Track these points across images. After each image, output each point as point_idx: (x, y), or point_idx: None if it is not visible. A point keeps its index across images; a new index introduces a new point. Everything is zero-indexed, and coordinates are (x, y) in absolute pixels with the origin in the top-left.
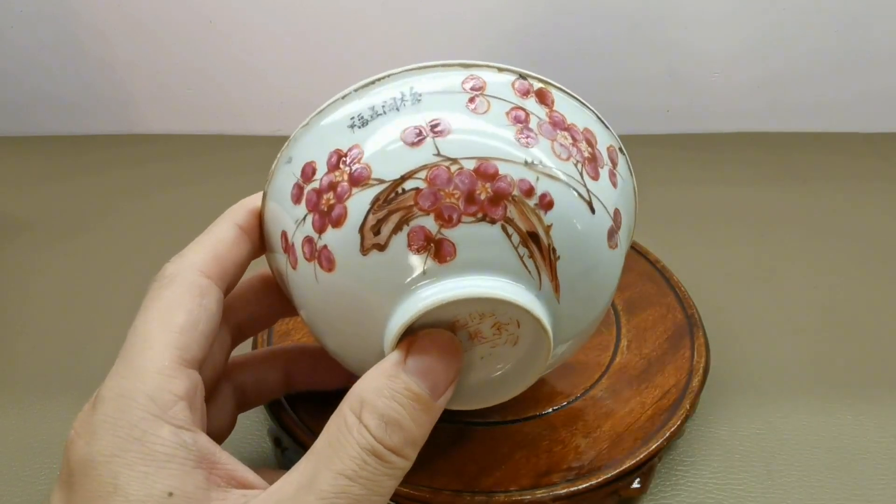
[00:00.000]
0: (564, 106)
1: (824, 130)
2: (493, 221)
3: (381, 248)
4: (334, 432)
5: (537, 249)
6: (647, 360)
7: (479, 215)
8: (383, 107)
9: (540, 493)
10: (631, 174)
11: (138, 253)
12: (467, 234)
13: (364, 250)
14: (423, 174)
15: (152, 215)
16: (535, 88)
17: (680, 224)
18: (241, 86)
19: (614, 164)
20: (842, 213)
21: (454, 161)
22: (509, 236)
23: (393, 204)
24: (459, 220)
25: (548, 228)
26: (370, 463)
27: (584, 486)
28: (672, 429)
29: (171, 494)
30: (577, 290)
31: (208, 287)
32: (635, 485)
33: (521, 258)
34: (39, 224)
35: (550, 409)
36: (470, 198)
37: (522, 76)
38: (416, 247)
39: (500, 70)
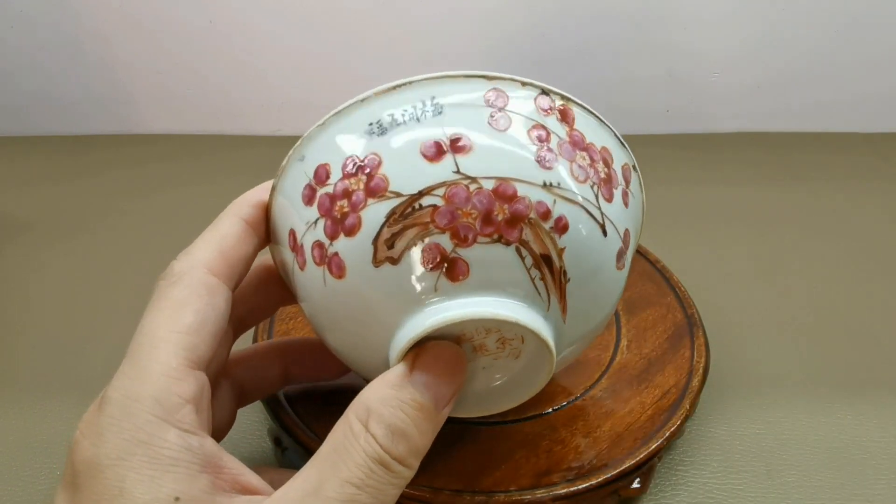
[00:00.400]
0: (584, 124)
1: (824, 130)
2: (508, 243)
3: (394, 261)
4: (340, 439)
5: (549, 272)
6: (647, 359)
7: (495, 236)
8: (403, 115)
9: (540, 493)
10: (641, 190)
11: (138, 253)
12: (482, 255)
13: (376, 262)
14: (441, 191)
15: (152, 215)
16: (557, 105)
17: (680, 224)
18: (241, 86)
19: (627, 183)
20: (842, 213)
21: (473, 180)
22: (523, 258)
23: (409, 219)
24: (475, 241)
25: (561, 251)
26: (377, 472)
27: (583, 485)
28: (672, 429)
29: (177, 499)
30: (583, 310)
31: (216, 286)
32: (635, 485)
33: (532, 280)
34: (39, 224)
35: (550, 409)
36: (487, 218)
37: (545, 91)
38: (429, 264)
39: (524, 84)
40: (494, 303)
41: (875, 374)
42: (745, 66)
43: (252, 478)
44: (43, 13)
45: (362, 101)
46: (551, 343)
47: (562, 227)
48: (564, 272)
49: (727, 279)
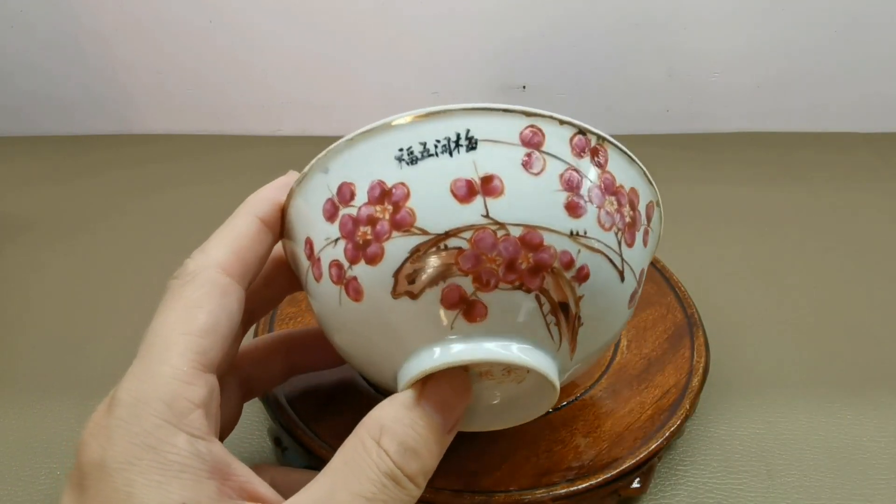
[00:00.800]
0: (616, 165)
1: (824, 130)
2: (528, 290)
3: (413, 296)
4: (352, 454)
5: (564, 318)
6: (646, 359)
7: (517, 283)
8: (436, 146)
9: (540, 493)
10: (661, 223)
11: (138, 253)
12: (501, 300)
13: (395, 294)
14: (468, 234)
15: (152, 215)
16: (592, 146)
17: (680, 224)
18: (240, 86)
19: (649, 221)
20: (842, 213)
21: (501, 226)
22: (541, 305)
23: (433, 258)
24: (496, 286)
25: (578, 299)
26: (389, 487)
27: (583, 485)
28: (672, 428)
29: None
30: (590, 346)
31: (229, 286)
32: (635, 484)
33: (547, 325)
34: (39, 224)
35: (551, 409)
36: (510, 266)
37: (582, 131)
38: (448, 304)
39: (562, 123)
40: (508, 346)
41: (875, 374)
42: (746, 67)
43: (259, 486)
44: (42, 13)
45: (393, 124)
46: (556, 383)
47: (583, 276)
48: (579, 317)
49: (727, 279)
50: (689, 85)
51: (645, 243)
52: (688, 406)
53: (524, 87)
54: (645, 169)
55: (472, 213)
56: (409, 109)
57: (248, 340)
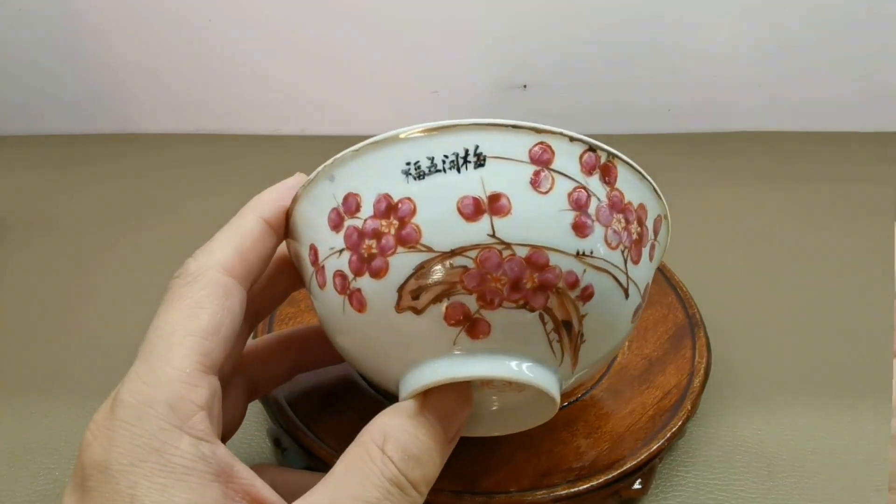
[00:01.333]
0: (625, 181)
1: (826, 129)
2: (532, 309)
3: (417, 311)
4: (355, 460)
5: (567, 335)
6: (648, 360)
7: (521, 302)
8: (444, 162)
9: (540, 494)
10: (668, 235)
11: (138, 252)
12: (505, 318)
13: (399, 309)
14: (473, 253)
15: (151, 214)
16: (601, 163)
17: (681, 223)
18: (241, 85)
19: (656, 234)
20: (843, 213)
21: (507, 246)
22: (544, 324)
23: (437, 275)
24: (500, 305)
25: (582, 317)
26: (393, 493)
27: (584, 486)
28: (673, 429)
29: None
30: (591, 360)
31: (232, 287)
32: (636, 485)
33: (550, 343)
34: (38, 223)
35: None
36: (515, 285)
37: (592, 148)
38: (452, 321)
39: (572, 140)
40: (511, 363)
41: (876, 375)
42: (748, 65)
43: (263, 489)
44: (43, 12)
45: (402, 137)
46: (557, 397)
47: (587, 295)
48: (581, 335)
49: (729, 279)
50: (690, 83)
51: (651, 258)
52: (689, 407)
53: (525, 85)
54: (654, 184)
55: (478, 232)
56: (408, 108)
57: (250, 341)
